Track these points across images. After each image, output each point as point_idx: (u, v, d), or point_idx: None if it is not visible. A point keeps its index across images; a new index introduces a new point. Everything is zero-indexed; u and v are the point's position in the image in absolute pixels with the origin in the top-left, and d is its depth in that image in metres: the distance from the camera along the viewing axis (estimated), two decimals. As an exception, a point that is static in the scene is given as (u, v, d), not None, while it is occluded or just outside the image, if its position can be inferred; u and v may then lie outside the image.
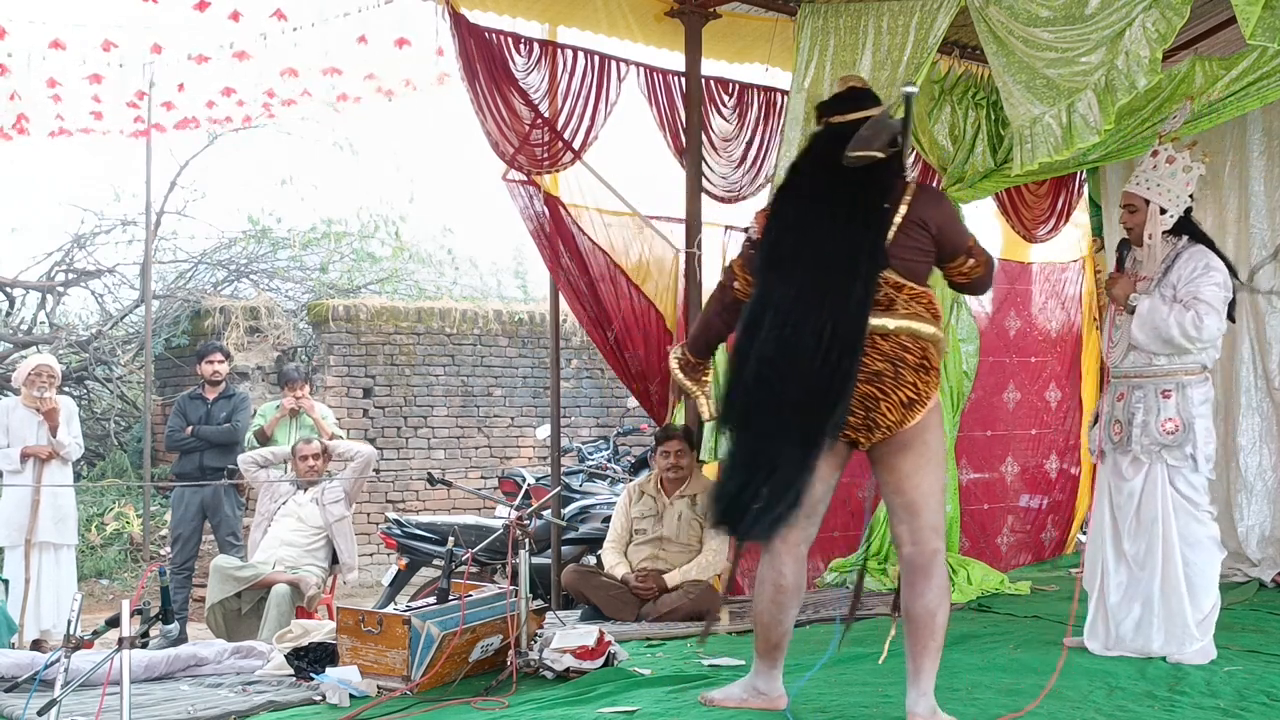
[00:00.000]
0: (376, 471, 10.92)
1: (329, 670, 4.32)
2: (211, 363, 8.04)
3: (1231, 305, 4.66)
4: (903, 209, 3.53)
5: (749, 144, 7.15)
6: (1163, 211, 4.67)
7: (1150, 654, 4.61)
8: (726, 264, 3.88)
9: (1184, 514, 4.61)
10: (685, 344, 4.05)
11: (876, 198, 3.51)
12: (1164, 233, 4.69)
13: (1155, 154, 4.76)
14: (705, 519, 3.80)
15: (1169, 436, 4.58)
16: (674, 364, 4.01)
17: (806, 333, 3.37)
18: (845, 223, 3.48)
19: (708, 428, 6.30)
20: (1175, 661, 4.54)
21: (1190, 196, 4.75)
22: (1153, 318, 4.54)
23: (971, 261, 3.73)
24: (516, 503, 5.02)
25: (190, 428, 7.88)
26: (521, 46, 6.33)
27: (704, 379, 4.07)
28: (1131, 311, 4.60)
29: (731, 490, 3.45)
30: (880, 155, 3.47)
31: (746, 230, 3.76)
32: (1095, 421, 4.91)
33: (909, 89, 3.47)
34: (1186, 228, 4.74)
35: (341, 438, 7.93)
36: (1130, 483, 4.69)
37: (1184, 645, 4.57)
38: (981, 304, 7.49)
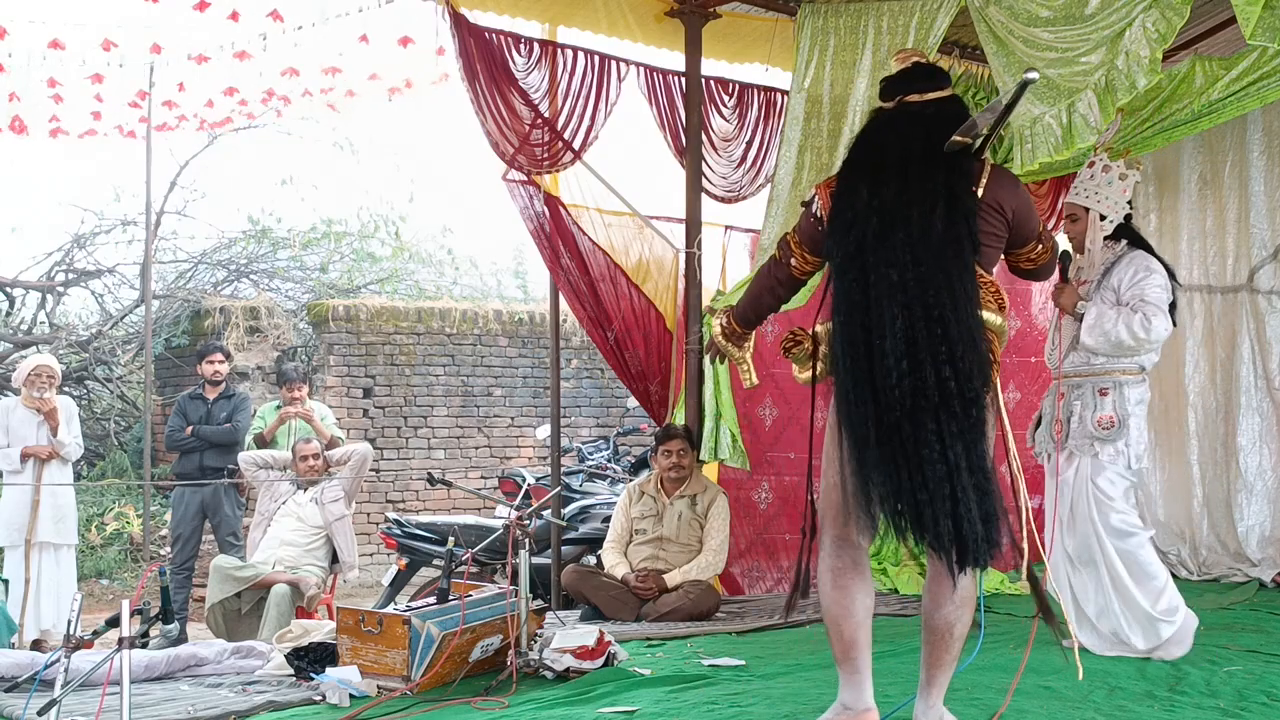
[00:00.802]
0: (376, 471, 10.93)
1: (329, 670, 4.32)
2: (212, 363, 8.05)
3: (1172, 307, 4.73)
4: (979, 192, 3.38)
5: (749, 144, 7.16)
6: (1102, 218, 4.81)
7: (1140, 652, 4.61)
8: (781, 237, 3.64)
9: (1104, 508, 4.67)
10: (731, 313, 3.88)
11: (965, 182, 3.32)
12: (1105, 238, 4.82)
13: (1092, 164, 4.89)
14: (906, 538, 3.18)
15: (1104, 431, 4.66)
16: (717, 328, 3.87)
17: (932, 326, 3.11)
18: (945, 210, 3.25)
19: (708, 428, 6.30)
20: (1159, 658, 4.55)
21: (1129, 203, 4.87)
22: (1101, 323, 4.63)
23: (1040, 248, 3.62)
24: (516, 503, 5.02)
25: (190, 428, 7.89)
26: (521, 46, 6.33)
27: (747, 345, 3.97)
28: (1079, 319, 4.69)
29: (922, 506, 3.06)
30: (977, 140, 3.34)
31: (808, 204, 3.52)
32: (1038, 424, 4.99)
33: (1031, 75, 3.36)
34: (1125, 233, 4.86)
35: (341, 438, 7.93)
36: (1064, 476, 4.78)
37: (1160, 634, 4.58)
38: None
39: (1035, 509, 7.80)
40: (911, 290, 3.15)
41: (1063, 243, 4.95)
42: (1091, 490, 4.68)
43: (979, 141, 3.40)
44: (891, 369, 3.09)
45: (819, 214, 3.44)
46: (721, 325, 3.91)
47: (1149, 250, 4.86)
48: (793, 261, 3.58)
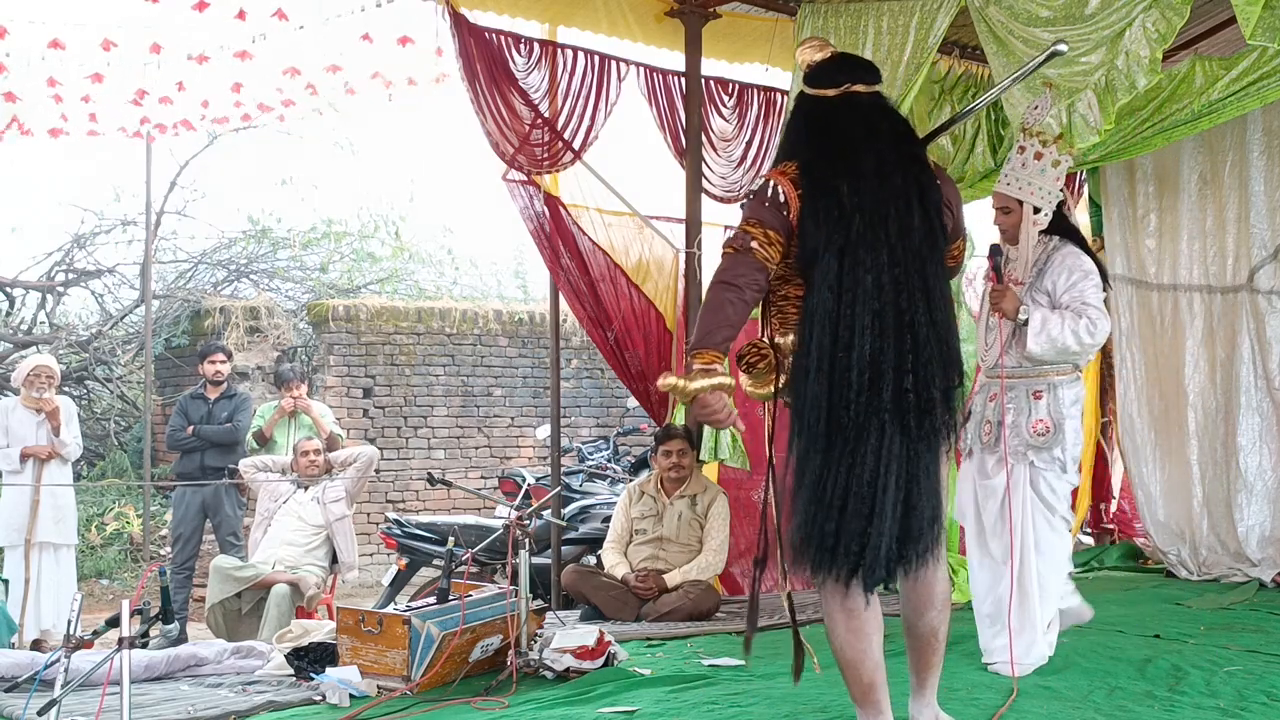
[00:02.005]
0: (376, 471, 10.92)
1: (329, 670, 4.32)
2: (214, 362, 8.06)
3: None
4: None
5: (748, 144, 7.16)
6: (1036, 211, 4.59)
7: (990, 661, 4.48)
8: (738, 229, 3.21)
9: (1041, 518, 4.52)
10: (705, 353, 3.13)
11: (930, 177, 3.25)
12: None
13: (1022, 149, 4.62)
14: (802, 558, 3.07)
15: (1039, 438, 4.51)
16: (705, 382, 3.10)
17: (901, 333, 3.05)
18: (920, 207, 3.16)
19: (708, 428, 6.30)
20: (995, 670, 4.38)
21: (1061, 190, 4.67)
22: (1048, 330, 4.45)
23: (962, 244, 3.53)
24: (516, 503, 5.02)
25: (191, 427, 7.89)
26: (521, 46, 6.33)
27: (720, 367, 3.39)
28: (1023, 324, 4.48)
29: (865, 516, 3.00)
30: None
31: (765, 192, 3.17)
32: (966, 420, 4.78)
33: (1060, 46, 3.26)
34: (1057, 225, 4.67)
35: (341, 436, 7.93)
36: (993, 481, 4.59)
37: (1031, 650, 4.43)
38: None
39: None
40: (886, 294, 3.05)
41: (993, 235, 4.85)
42: (1031, 499, 4.52)
43: (953, 119, 3.31)
44: (853, 383, 3.01)
45: (785, 202, 3.15)
46: (707, 370, 3.12)
47: (1080, 243, 4.69)
48: (754, 246, 3.14)
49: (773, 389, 3.22)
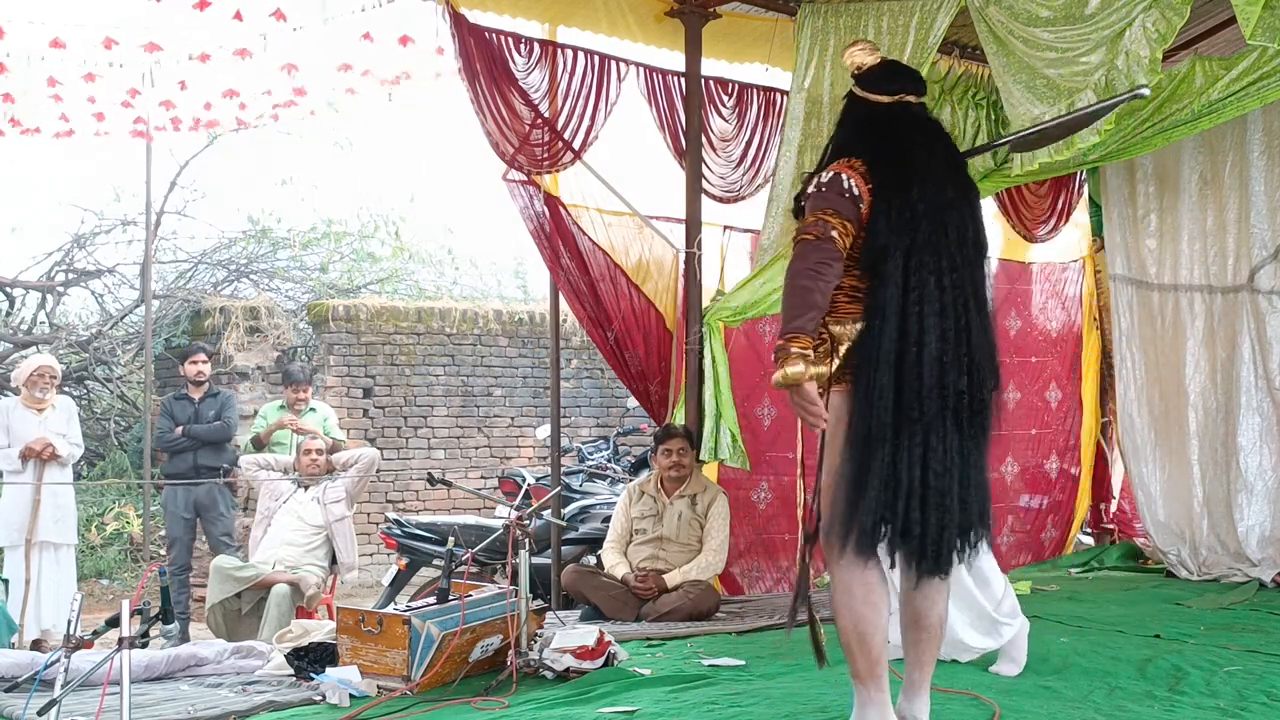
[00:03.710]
0: (376, 472, 10.91)
1: (329, 670, 4.32)
2: (195, 363, 8.05)
3: None
4: None
5: (748, 144, 7.15)
6: None
7: (974, 651, 4.46)
8: (809, 220, 3.23)
9: None
10: (800, 338, 3.12)
11: (976, 191, 3.48)
12: None
13: None
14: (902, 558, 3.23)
15: None
16: (804, 366, 3.10)
17: (960, 334, 3.23)
18: (970, 217, 3.38)
19: (708, 428, 6.30)
20: (995, 672, 4.39)
21: None
22: None
23: None
24: (516, 503, 5.02)
25: (181, 428, 7.86)
26: (521, 46, 6.33)
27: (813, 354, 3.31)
28: None
29: (938, 505, 3.17)
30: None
31: (836, 185, 3.22)
32: None
33: (1143, 90, 3.39)
34: None
35: (344, 443, 7.93)
36: None
37: (1001, 634, 4.42)
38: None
39: (1025, 508, 7.83)
40: (946, 297, 3.21)
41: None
42: None
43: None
44: (924, 379, 3.16)
45: (859, 197, 3.23)
46: (804, 354, 3.13)
47: None
48: (835, 235, 3.19)
49: (824, 371, 3.26)
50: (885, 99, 3.46)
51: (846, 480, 3.21)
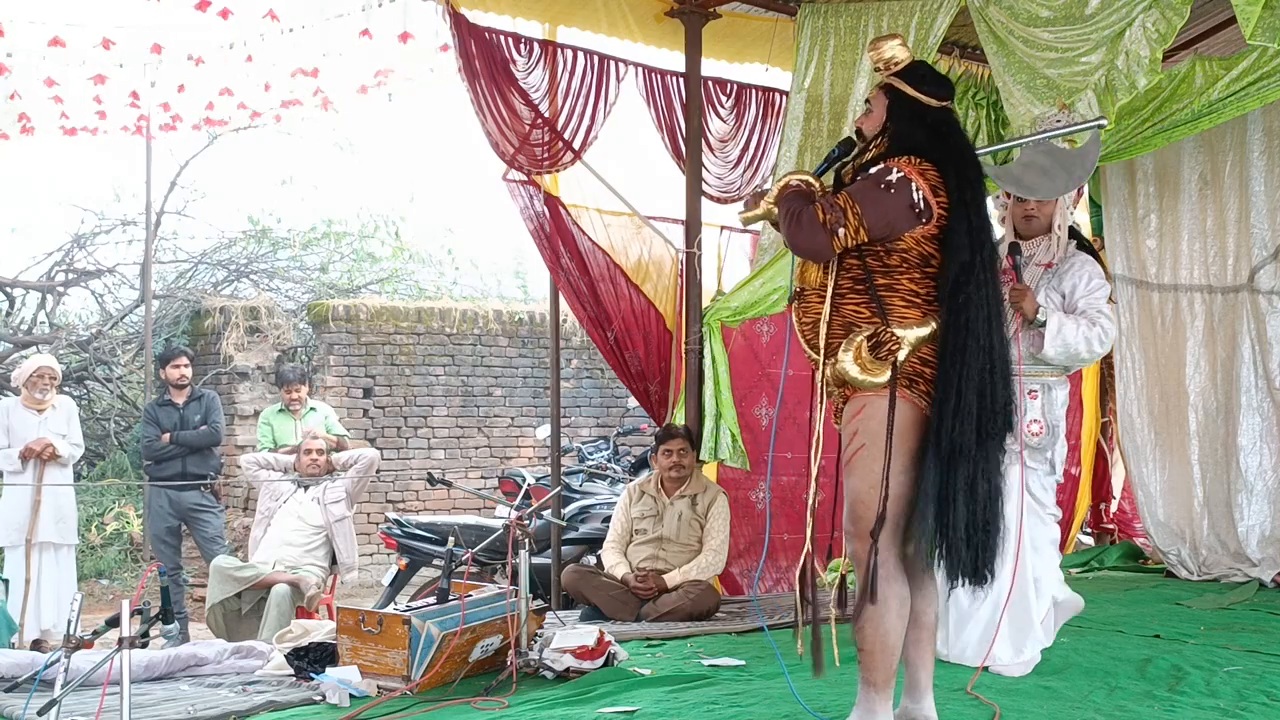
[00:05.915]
0: (376, 471, 10.92)
1: (329, 670, 4.32)
2: (178, 367, 7.88)
3: None
4: None
5: (746, 144, 7.16)
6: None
7: (990, 664, 4.42)
8: (844, 209, 3.25)
9: (1033, 516, 4.53)
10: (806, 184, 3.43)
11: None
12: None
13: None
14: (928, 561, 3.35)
15: (1034, 439, 4.53)
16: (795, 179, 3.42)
17: (1004, 346, 3.33)
18: (990, 229, 3.46)
19: (708, 428, 6.30)
20: (998, 671, 4.36)
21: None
22: (1064, 334, 4.49)
23: None
24: (516, 503, 5.02)
25: (167, 434, 7.67)
26: (521, 46, 6.33)
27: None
28: (1040, 326, 4.49)
29: (971, 522, 3.25)
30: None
31: (900, 186, 3.24)
32: None
33: (1102, 121, 3.54)
34: (1072, 232, 4.78)
35: (347, 437, 7.92)
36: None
37: (1026, 648, 4.44)
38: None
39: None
40: (992, 319, 3.27)
41: (1038, 228, 4.79)
42: (1026, 498, 4.49)
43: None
44: (998, 397, 3.24)
45: (927, 209, 3.24)
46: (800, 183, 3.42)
47: (1093, 252, 4.77)
48: (841, 234, 3.24)
49: (886, 376, 3.26)
50: (934, 102, 3.42)
51: (927, 496, 3.23)
